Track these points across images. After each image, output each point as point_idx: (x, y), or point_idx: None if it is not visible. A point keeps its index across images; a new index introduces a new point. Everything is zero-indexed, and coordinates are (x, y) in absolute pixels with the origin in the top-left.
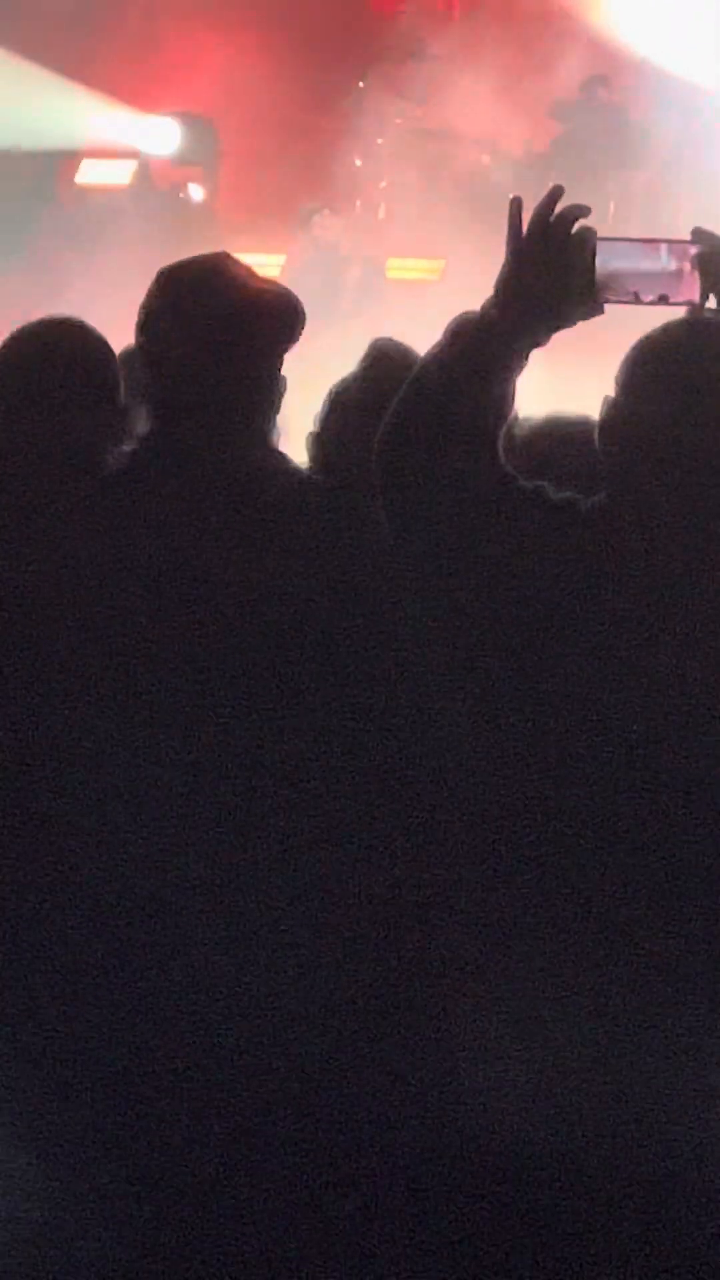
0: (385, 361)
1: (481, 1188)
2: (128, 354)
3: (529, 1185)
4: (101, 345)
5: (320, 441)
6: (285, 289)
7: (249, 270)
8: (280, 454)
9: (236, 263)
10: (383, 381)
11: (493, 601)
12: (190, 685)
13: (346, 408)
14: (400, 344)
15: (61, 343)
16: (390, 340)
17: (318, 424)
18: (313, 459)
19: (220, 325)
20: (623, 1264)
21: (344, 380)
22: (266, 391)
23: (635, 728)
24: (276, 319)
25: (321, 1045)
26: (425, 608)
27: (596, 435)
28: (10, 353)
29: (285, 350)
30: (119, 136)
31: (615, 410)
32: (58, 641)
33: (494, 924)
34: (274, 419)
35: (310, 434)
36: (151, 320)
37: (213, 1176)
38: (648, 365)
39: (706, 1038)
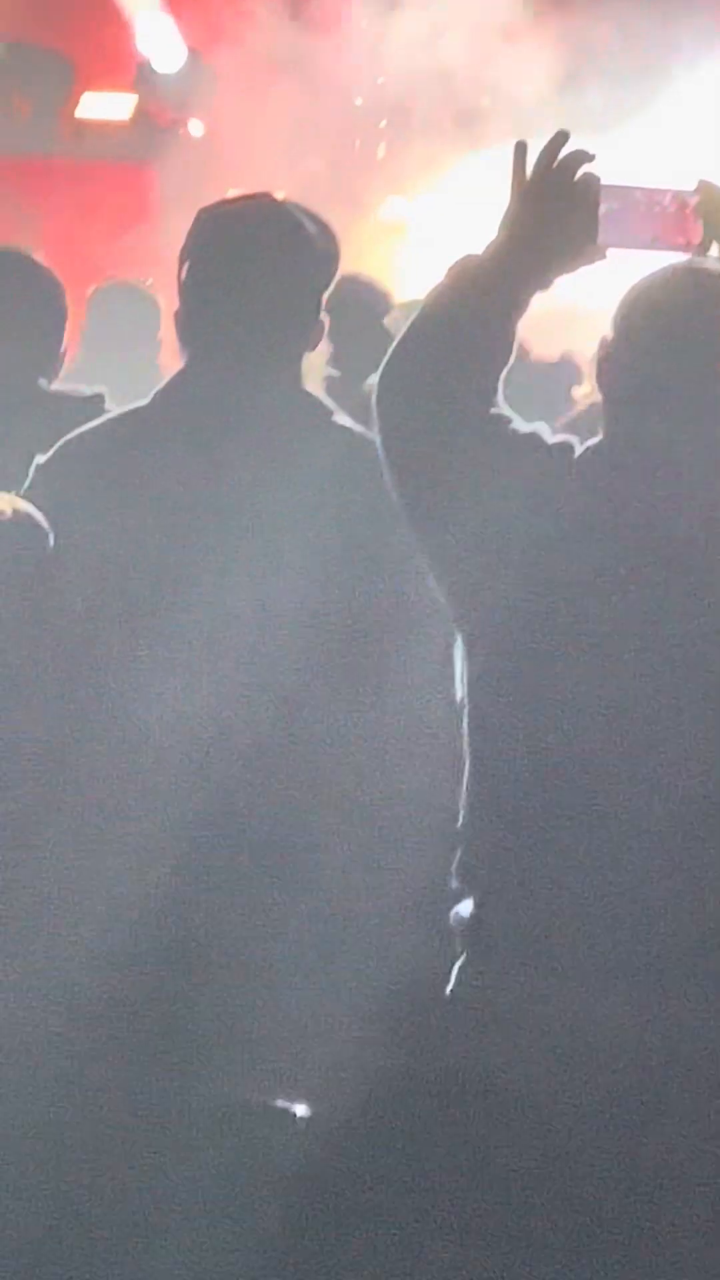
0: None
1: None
2: (102, 292)
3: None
4: (49, 279)
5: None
6: (327, 227)
7: (293, 208)
8: (311, 395)
9: (279, 202)
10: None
11: (492, 543)
12: (200, 623)
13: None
14: (366, 279)
15: (9, 276)
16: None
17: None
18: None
19: (261, 263)
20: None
21: None
22: (305, 330)
23: (631, 672)
24: (317, 259)
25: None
26: (424, 550)
27: (594, 377)
28: None
29: (325, 290)
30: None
31: (610, 353)
32: (70, 570)
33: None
34: (303, 359)
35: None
36: (191, 257)
37: None
38: (643, 308)
39: None
